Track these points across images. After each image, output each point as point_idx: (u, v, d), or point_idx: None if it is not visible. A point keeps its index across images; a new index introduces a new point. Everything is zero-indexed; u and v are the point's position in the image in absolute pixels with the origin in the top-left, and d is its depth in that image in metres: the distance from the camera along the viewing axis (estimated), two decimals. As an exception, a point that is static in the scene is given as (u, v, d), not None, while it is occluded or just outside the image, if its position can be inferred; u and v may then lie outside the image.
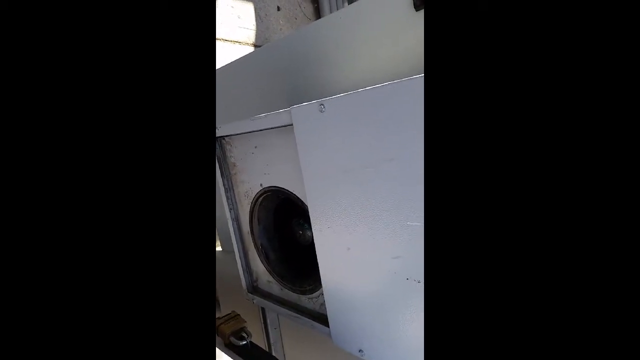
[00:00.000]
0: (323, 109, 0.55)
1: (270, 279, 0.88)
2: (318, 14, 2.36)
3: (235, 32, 1.96)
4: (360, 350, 0.64)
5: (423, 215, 0.47)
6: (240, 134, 0.79)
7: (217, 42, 1.90)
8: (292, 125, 0.62)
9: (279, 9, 2.19)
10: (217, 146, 0.87)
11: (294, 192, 0.72)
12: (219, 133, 0.83)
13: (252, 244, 0.89)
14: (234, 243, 0.92)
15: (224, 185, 0.89)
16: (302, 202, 0.70)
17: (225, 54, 1.91)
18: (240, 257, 0.93)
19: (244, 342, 0.84)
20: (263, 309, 1.09)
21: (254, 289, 0.95)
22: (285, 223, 0.88)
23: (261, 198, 0.83)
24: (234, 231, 0.91)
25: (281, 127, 0.67)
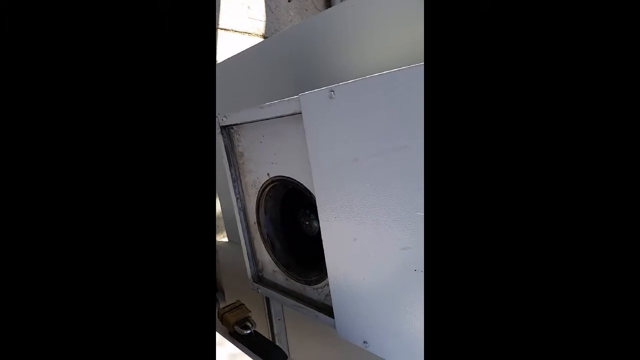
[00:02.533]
0: (333, 96, 0.54)
1: (276, 268, 0.88)
2: (329, 5, 2.33)
3: (245, 23, 1.95)
4: (364, 342, 0.64)
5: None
6: (248, 122, 0.79)
7: (227, 33, 1.89)
8: (300, 113, 0.61)
9: (289, 0, 2.17)
10: (225, 135, 0.86)
11: (301, 182, 0.71)
12: (227, 122, 0.83)
13: (259, 234, 0.89)
14: (240, 233, 0.92)
15: (231, 175, 0.88)
16: (309, 192, 0.70)
17: (235, 45, 1.90)
18: (246, 247, 0.92)
19: (248, 332, 0.84)
20: (268, 300, 1.09)
21: (259, 278, 0.95)
22: (291, 213, 0.87)
23: (268, 188, 0.82)
24: (241, 221, 0.91)
25: (290, 115, 0.66)
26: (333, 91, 0.54)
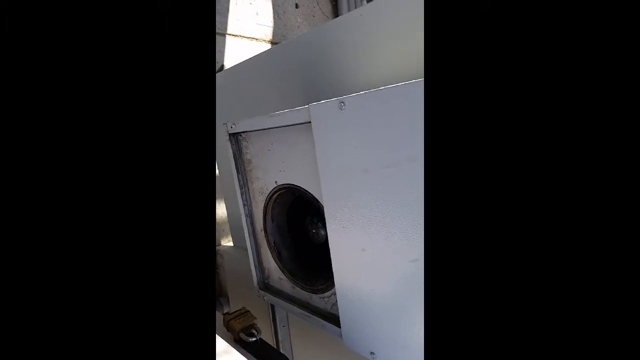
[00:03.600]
0: (343, 107, 0.54)
1: (282, 276, 0.87)
2: (336, 12, 2.34)
3: (253, 29, 1.96)
4: (371, 353, 0.63)
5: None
6: (256, 130, 0.79)
7: (235, 39, 1.91)
8: (310, 122, 0.62)
9: (297, 6, 2.18)
10: (234, 142, 0.87)
11: (308, 190, 0.71)
12: (235, 129, 0.83)
13: (265, 240, 0.89)
14: (246, 239, 0.92)
15: (238, 181, 0.89)
16: (316, 200, 0.70)
17: (243, 51, 1.91)
18: (252, 254, 0.93)
19: (254, 339, 0.84)
20: (272, 307, 1.09)
21: (265, 286, 0.95)
22: (298, 221, 0.87)
23: (275, 195, 0.82)
24: (247, 227, 0.91)
25: (299, 124, 0.66)
26: (343, 102, 0.54)
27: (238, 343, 0.85)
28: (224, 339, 0.80)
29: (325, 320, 0.75)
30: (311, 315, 0.78)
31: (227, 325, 0.88)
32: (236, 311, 0.92)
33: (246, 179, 0.89)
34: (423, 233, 0.49)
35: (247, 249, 0.93)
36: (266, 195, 0.84)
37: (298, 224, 0.88)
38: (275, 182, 0.80)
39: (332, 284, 0.69)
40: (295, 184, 0.75)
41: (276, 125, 0.72)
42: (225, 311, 1.12)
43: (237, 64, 1.21)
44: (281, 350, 1.08)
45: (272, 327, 1.12)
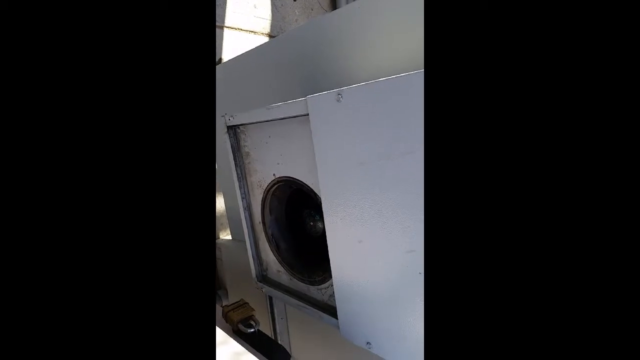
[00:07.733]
0: (340, 99, 0.54)
1: (280, 268, 0.88)
2: (334, 5, 2.32)
3: (250, 21, 1.95)
4: (367, 343, 0.64)
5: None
6: (255, 123, 0.79)
7: (233, 32, 1.89)
8: (307, 115, 0.62)
9: (295, -1, 2.17)
10: (232, 135, 0.87)
11: (306, 183, 0.72)
12: (233, 122, 0.83)
13: (263, 233, 0.89)
14: (245, 232, 0.92)
15: (237, 174, 0.89)
16: (314, 193, 0.70)
17: (240, 44, 1.90)
18: (250, 246, 0.93)
19: (252, 330, 0.85)
20: (270, 299, 1.10)
21: (264, 278, 0.95)
22: (296, 213, 0.88)
23: (273, 188, 0.83)
24: (246, 220, 0.91)
25: (296, 116, 0.66)
26: (341, 94, 0.54)
27: (237, 334, 0.86)
28: (222, 330, 0.81)
29: (322, 311, 0.75)
30: (308, 306, 0.79)
31: (226, 317, 0.89)
32: (234, 303, 0.93)
33: (244, 171, 0.89)
34: (419, 224, 0.50)
35: (245, 242, 0.94)
36: (264, 188, 0.84)
37: (296, 217, 0.89)
38: (274, 174, 0.80)
39: (330, 276, 0.69)
40: (293, 176, 0.75)
41: (274, 118, 0.72)
42: (223, 304, 1.13)
43: (235, 57, 1.21)
44: (279, 342, 1.09)
45: (270, 319, 1.13)
